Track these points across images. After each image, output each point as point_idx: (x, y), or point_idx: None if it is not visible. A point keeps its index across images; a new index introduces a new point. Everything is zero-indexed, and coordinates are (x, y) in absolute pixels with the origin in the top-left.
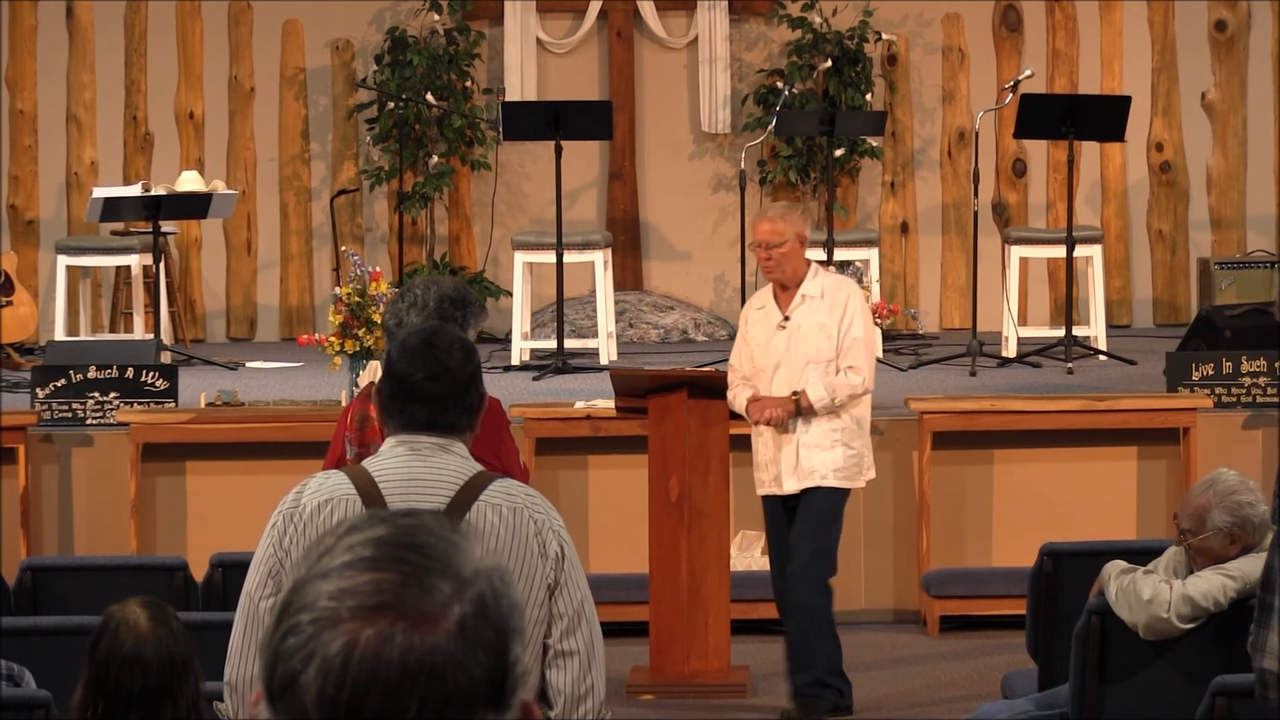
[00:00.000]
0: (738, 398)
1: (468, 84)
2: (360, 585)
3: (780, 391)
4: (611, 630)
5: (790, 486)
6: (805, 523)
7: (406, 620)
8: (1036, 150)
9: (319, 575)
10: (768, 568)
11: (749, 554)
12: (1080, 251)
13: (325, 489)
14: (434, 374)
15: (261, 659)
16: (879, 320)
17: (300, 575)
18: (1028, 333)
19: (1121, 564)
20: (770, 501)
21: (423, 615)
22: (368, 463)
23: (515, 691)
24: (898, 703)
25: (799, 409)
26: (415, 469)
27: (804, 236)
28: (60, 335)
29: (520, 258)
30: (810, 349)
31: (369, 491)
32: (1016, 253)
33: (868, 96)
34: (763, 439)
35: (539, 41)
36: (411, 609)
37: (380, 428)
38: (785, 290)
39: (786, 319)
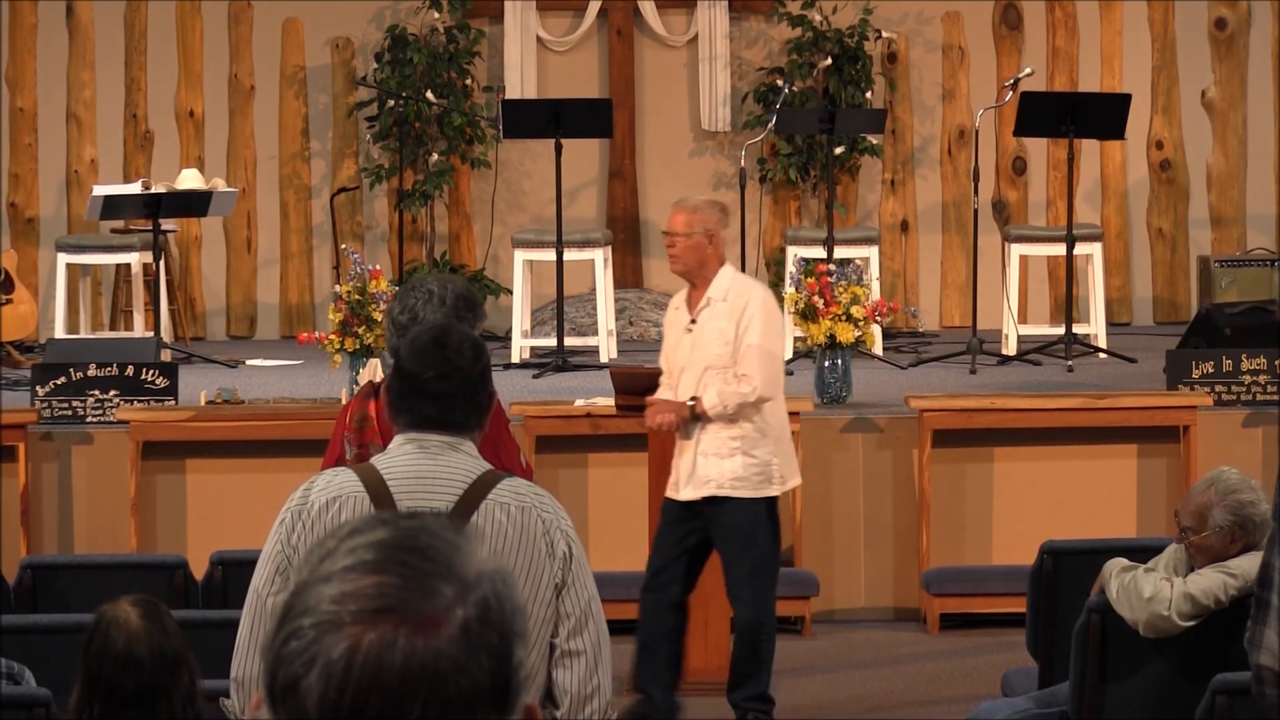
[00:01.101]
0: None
1: (468, 82)
2: (362, 589)
3: (684, 396)
4: (611, 628)
5: (686, 494)
6: (724, 545)
7: (409, 624)
8: (1036, 148)
9: (321, 579)
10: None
11: None
12: (1080, 249)
13: (334, 486)
14: (444, 373)
15: (263, 663)
16: (879, 318)
17: (302, 578)
18: (1028, 331)
19: (1123, 562)
20: (668, 503)
21: (425, 619)
22: (376, 460)
23: (518, 695)
24: (898, 701)
25: (694, 415)
26: (424, 467)
27: (715, 235)
28: (60, 333)
29: (520, 256)
30: (709, 354)
31: (377, 489)
32: (1016, 251)
33: (868, 94)
34: (677, 444)
35: (539, 39)
36: (414, 612)
37: (388, 425)
38: (695, 291)
39: (693, 322)
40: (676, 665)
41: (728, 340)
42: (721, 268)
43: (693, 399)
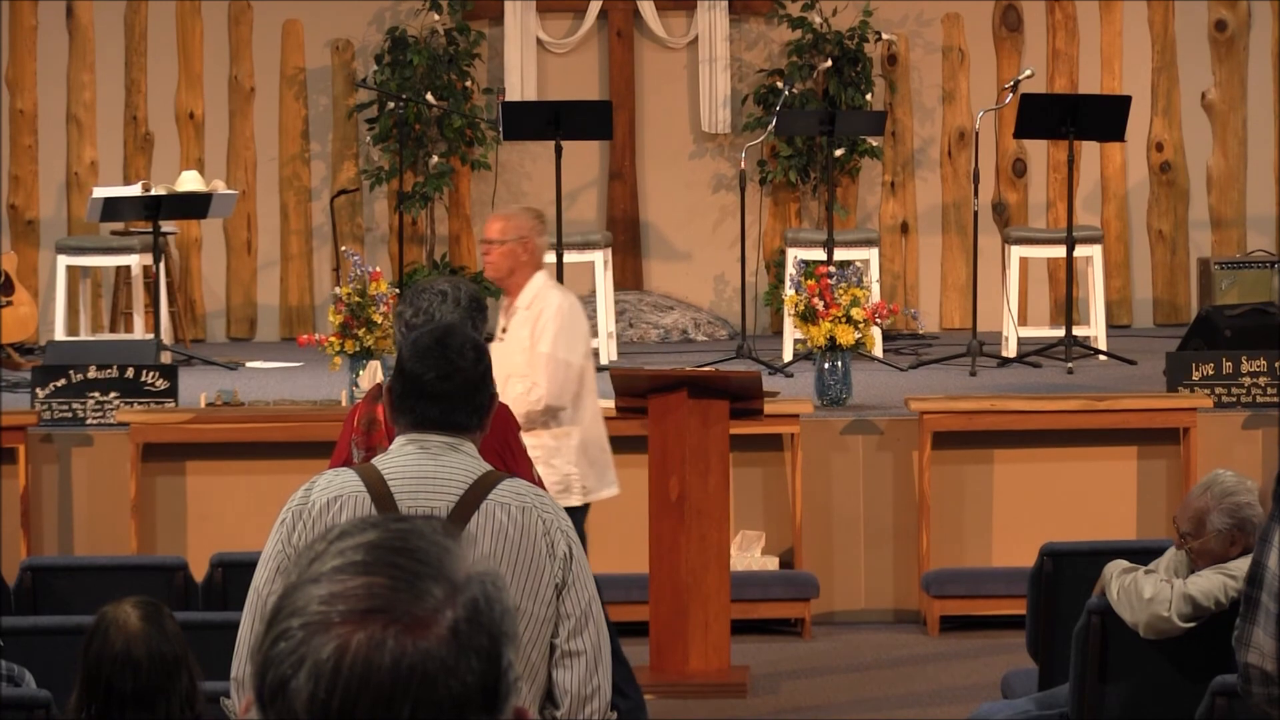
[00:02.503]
0: None
1: (468, 84)
2: (351, 589)
3: None
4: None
5: None
6: None
7: (398, 625)
8: (1036, 150)
9: (310, 580)
10: (768, 567)
11: (749, 554)
12: (1080, 251)
13: (335, 486)
14: (445, 373)
15: (252, 665)
16: (879, 320)
17: (291, 580)
18: (1028, 333)
19: (1123, 563)
20: None
21: (415, 620)
22: (377, 461)
23: (508, 697)
24: (898, 703)
25: None
26: (425, 467)
27: (529, 242)
28: (60, 335)
29: None
30: (511, 363)
31: (378, 489)
32: (1016, 253)
33: (868, 96)
34: None
35: (539, 41)
36: (403, 613)
37: (390, 426)
38: (509, 299)
39: (503, 330)
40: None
41: (524, 349)
42: (534, 275)
43: None
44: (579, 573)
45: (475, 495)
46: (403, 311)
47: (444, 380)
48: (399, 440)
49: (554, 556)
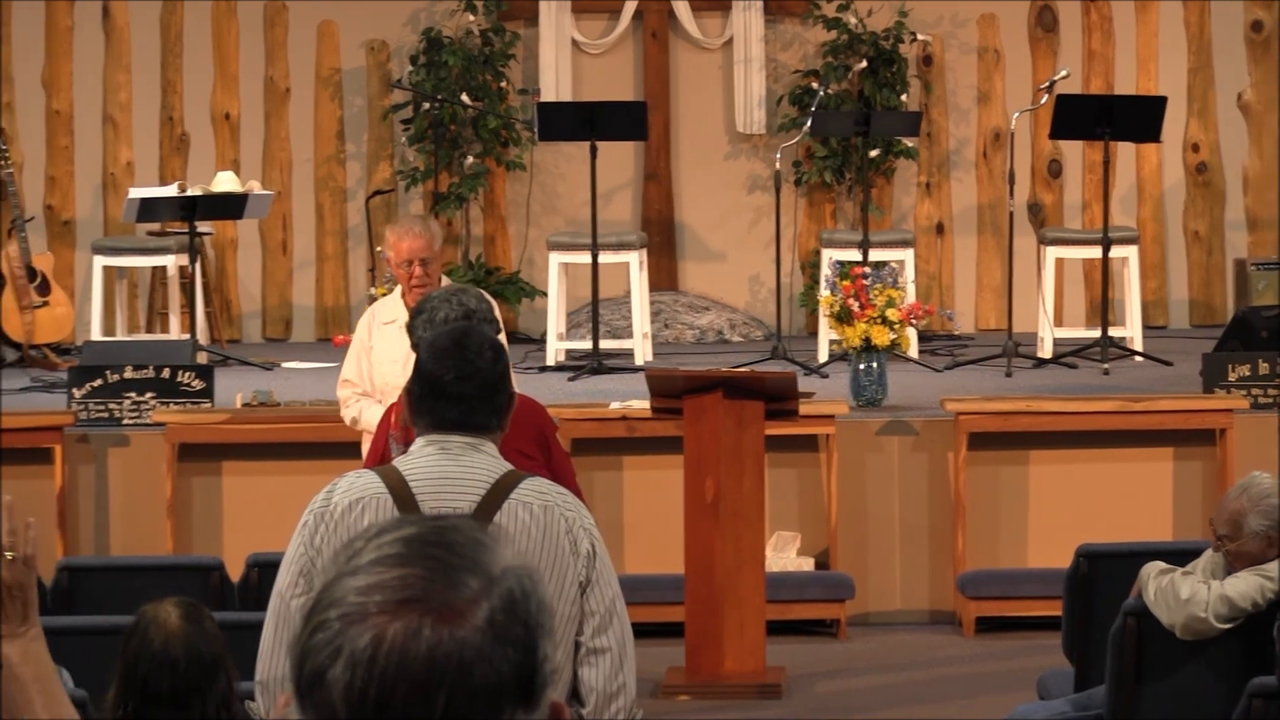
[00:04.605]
0: (365, 413)
1: (503, 84)
2: (388, 581)
3: None
4: (647, 631)
5: None
6: None
7: (434, 614)
8: (1072, 151)
9: (348, 573)
10: (803, 568)
11: (784, 555)
12: (1116, 252)
13: (356, 488)
14: (464, 374)
15: (290, 657)
16: (914, 321)
17: (329, 575)
18: (1063, 334)
19: (1160, 565)
20: None
21: (450, 610)
22: (398, 462)
23: (544, 690)
24: (933, 704)
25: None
26: (446, 468)
27: (441, 248)
28: (96, 335)
29: (555, 258)
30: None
31: (400, 491)
32: (1052, 253)
33: (903, 97)
34: None
35: (574, 42)
36: (439, 603)
37: (410, 427)
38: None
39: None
40: None
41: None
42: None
43: None
44: (602, 570)
45: (497, 495)
46: (434, 308)
47: (463, 381)
48: (419, 441)
49: (577, 554)
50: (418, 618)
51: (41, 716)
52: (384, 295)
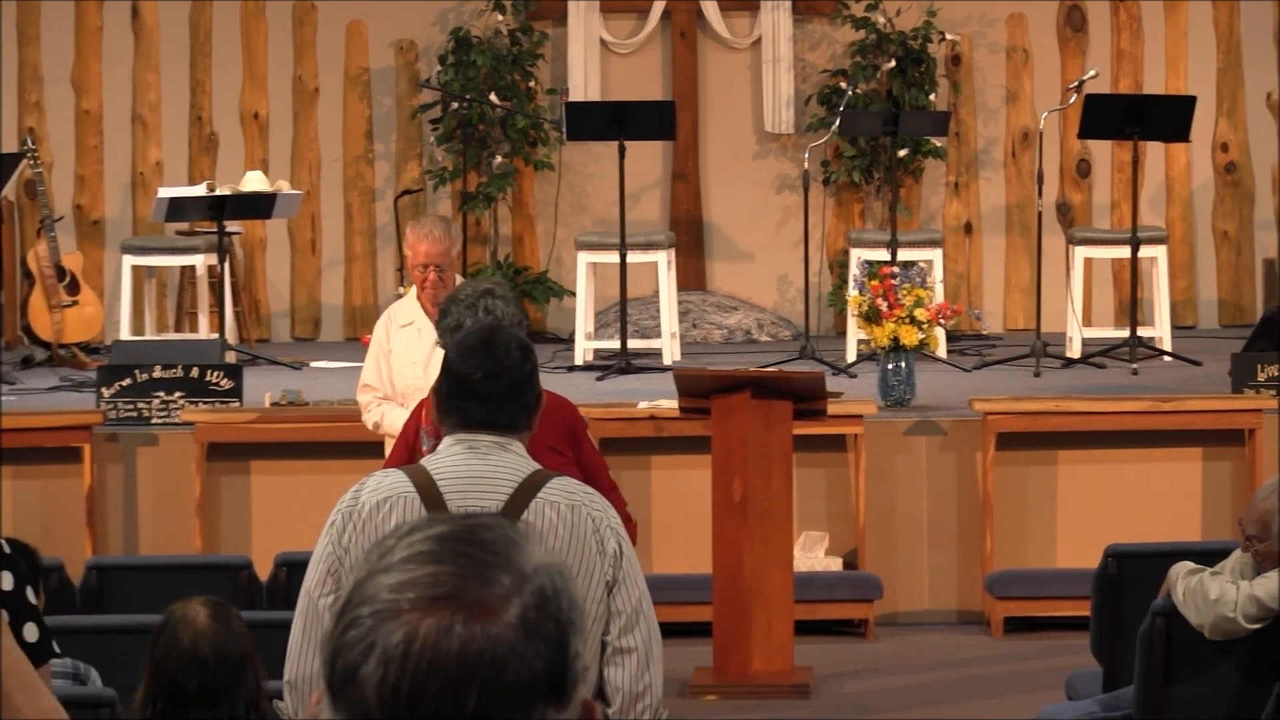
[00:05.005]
0: (387, 417)
1: (531, 84)
2: (420, 577)
3: None
4: (675, 630)
5: None
6: None
7: (466, 611)
8: (1101, 151)
9: (380, 570)
10: (831, 568)
11: (812, 554)
12: (1145, 252)
13: (384, 487)
14: (492, 373)
15: (322, 654)
16: (942, 321)
17: (361, 573)
18: (1092, 333)
19: (1189, 565)
20: None
21: (482, 606)
22: (426, 461)
23: (576, 687)
24: (961, 704)
25: None
26: (474, 467)
27: (459, 251)
28: (125, 335)
29: (583, 258)
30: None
31: (428, 489)
32: (1081, 253)
33: (931, 97)
34: None
35: (602, 42)
36: (471, 600)
37: (437, 426)
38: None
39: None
40: None
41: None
42: None
43: None
44: (629, 570)
45: (525, 494)
46: (449, 325)
47: (491, 380)
48: (447, 440)
49: (604, 554)
50: (450, 614)
51: (21, 707)
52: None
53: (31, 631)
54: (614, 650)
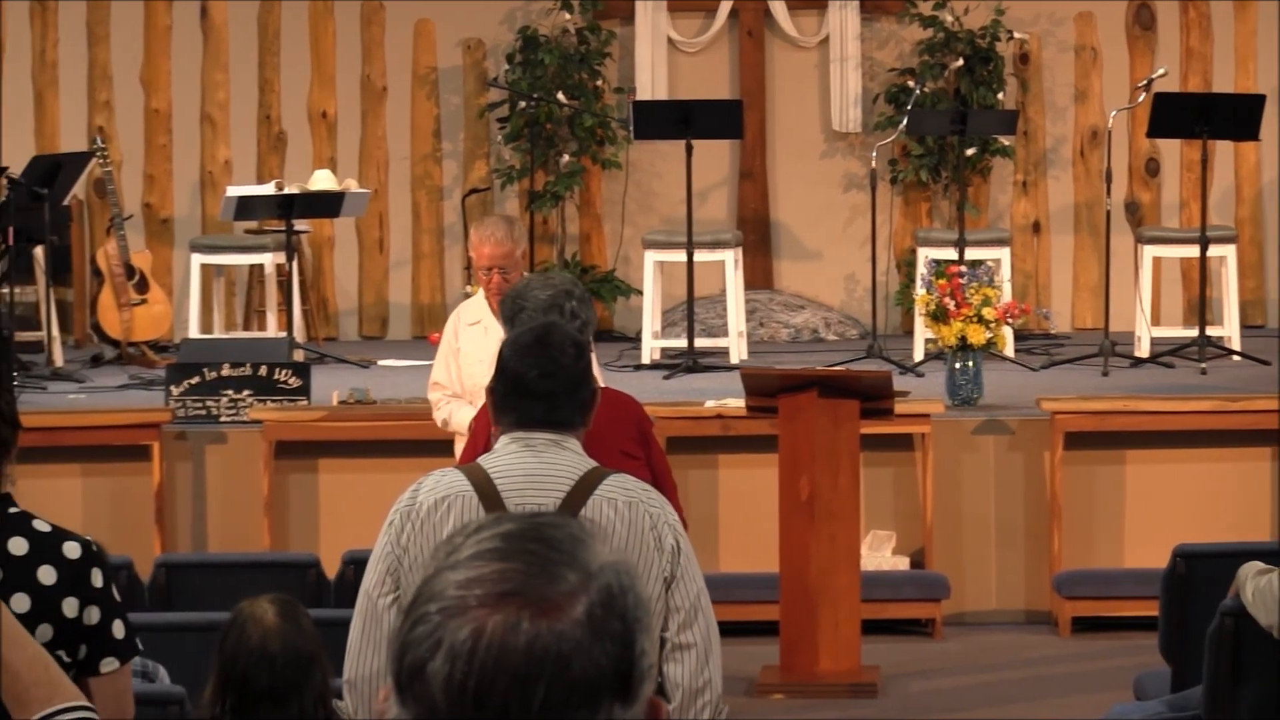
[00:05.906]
0: (455, 414)
1: (599, 83)
2: (487, 574)
3: None
4: (741, 629)
5: None
6: None
7: (533, 607)
8: (1170, 149)
9: (447, 567)
10: (899, 567)
11: (879, 554)
12: (1214, 251)
13: (442, 486)
14: (547, 371)
15: (390, 651)
16: (1010, 320)
17: (429, 571)
18: (1161, 333)
19: (1258, 565)
20: None
21: (549, 603)
22: (483, 460)
23: (642, 685)
24: (1029, 704)
25: None
26: (530, 465)
27: (524, 250)
28: (194, 333)
29: (651, 257)
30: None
31: (485, 488)
32: (1149, 252)
33: (999, 95)
34: None
35: (670, 41)
36: (538, 597)
37: (493, 425)
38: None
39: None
40: None
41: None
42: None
43: None
44: (687, 566)
45: (582, 491)
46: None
47: (546, 378)
48: (503, 439)
49: (662, 550)
50: (517, 611)
51: (13, 662)
52: (478, 292)
53: (119, 628)
54: (673, 646)
